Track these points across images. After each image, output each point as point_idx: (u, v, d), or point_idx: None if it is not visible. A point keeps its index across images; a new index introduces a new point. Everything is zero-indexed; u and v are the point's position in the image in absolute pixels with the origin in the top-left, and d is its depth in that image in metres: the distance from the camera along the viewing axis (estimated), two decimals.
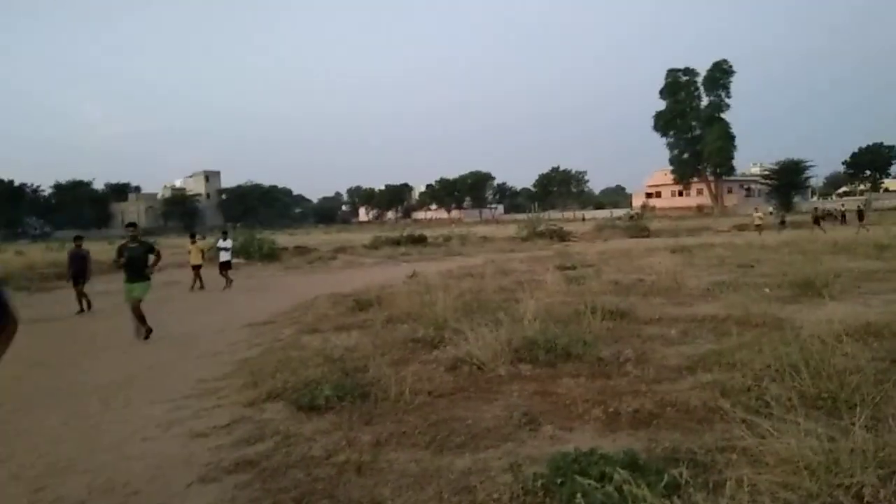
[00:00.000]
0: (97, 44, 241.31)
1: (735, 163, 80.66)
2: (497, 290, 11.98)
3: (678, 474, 3.20)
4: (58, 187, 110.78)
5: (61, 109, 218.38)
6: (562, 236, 38.82)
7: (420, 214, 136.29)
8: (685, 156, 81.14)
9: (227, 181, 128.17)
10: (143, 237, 15.44)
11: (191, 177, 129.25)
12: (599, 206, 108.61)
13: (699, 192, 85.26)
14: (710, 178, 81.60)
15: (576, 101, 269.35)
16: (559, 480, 3.37)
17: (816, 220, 34.60)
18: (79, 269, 14.64)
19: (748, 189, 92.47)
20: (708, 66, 78.68)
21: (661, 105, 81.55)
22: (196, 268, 18.99)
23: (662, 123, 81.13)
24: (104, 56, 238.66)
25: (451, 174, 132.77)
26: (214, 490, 4.05)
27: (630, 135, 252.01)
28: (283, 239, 37.13)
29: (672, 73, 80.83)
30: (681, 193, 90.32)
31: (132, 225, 11.38)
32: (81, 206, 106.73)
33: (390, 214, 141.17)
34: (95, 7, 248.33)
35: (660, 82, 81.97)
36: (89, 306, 14.59)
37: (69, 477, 4.53)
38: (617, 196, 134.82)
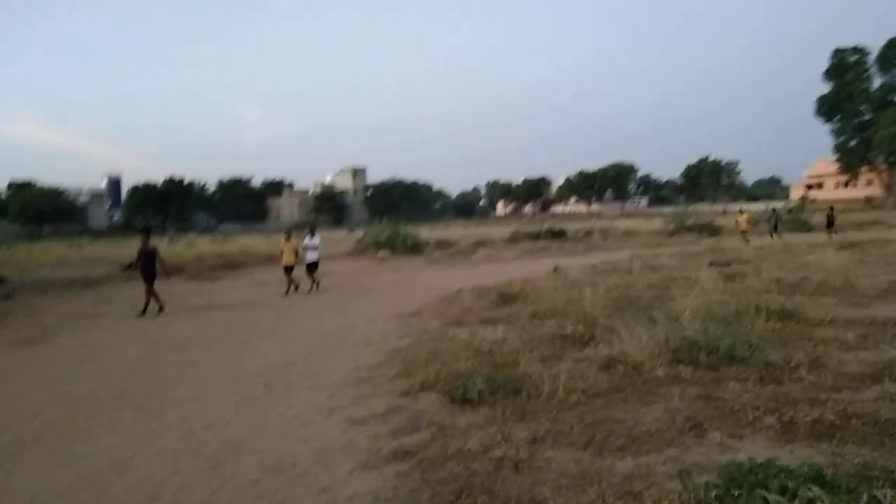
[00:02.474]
0: (256, 50, 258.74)
1: None
2: (646, 287, 11.52)
3: (882, 496, 2.86)
4: (221, 184, 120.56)
5: (224, 112, 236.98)
6: (712, 230, 36.79)
7: (559, 208, 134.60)
8: (853, 143, 73.95)
9: (373, 177, 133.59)
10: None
11: (339, 174, 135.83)
12: (752, 199, 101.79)
13: (869, 182, 77.64)
14: (883, 166, 73.96)
15: (728, 85, 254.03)
16: (735, 492, 3.14)
17: None
18: (148, 266, 13.76)
19: None
20: (880, 44, 71.29)
21: (825, 88, 74.89)
22: (288, 269, 16.82)
23: (826, 108, 74.35)
24: (262, 61, 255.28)
25: (592, 166, 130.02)
26: (375, 478, 4.17)
27: (788, 122, 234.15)
28: (424, 233, 37.93)
29: (839, 52, 73.77)
30: (846, 184, 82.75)
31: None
32: (241, 201, 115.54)
33: (528, 208, 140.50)
34: (251, 16, 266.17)
35: (823, 63, 75.33)
36: (158, 304, 13.74)
37: (242, 456, 4.85)
38: (772, 188, 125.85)
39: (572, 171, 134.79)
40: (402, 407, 5.63)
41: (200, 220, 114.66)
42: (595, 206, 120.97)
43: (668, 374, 5.74)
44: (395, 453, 4.51)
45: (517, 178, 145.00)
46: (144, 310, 13.44)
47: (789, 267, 14.49)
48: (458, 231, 52.80)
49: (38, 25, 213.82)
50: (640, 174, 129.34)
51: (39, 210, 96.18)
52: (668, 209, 61.64)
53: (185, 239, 50.67)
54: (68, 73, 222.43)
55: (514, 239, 36.63)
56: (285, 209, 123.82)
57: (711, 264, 15.60)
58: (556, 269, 15.67)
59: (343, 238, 44.42)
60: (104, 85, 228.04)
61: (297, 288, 16.60)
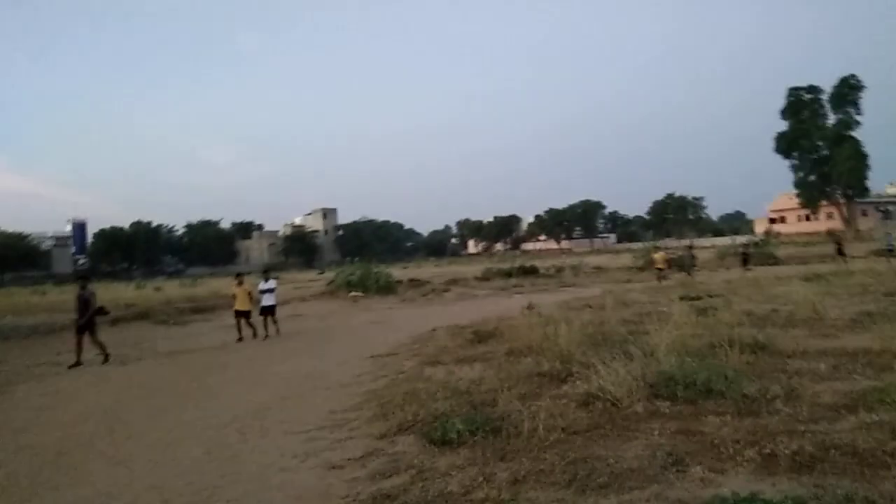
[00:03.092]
0: (223, 93, 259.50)
1: (869, 183, 74.79)
2: (620, 322, 11.59)
3: None
4: (189, 227, 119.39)
5: (192, 155, 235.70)
6: (681, 265, 37.29)
7: (529, 245, 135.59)
8: (812, 178, 76.07)
9: (343, 217, 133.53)
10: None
11: (310, 214, 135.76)
12: (718, 233, 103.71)
13: (829, 215, 79.76)
14: (842, 200, 76.12)
15: (690, 124, 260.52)
16: None
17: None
18: (84, 314, 13.03)
19: (885, 211, 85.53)
20: (832, 82, 74.03)
21: (783, 125, 77.31)
22: (242, 314, 15.78)
23: (785, 145, 76.62)
24: (229, 105, 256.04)
25: (560, 204, 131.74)
26: None
27: (749, 158, 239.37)
28: (396, 272, 37.88)
29: (794, 91, 76.45)
30: (808, 218, 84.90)
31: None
32: (210, 244, 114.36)
33: (499, 246, 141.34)
34: (218, 60, 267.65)
35: (779, 102, 77.84)
36: (101, 353, 13.06)
37: (215, 503, 4.70)
38: (737, 222, 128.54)
39: (541, 209, 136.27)
40: (380, 450, 5.52)
41: (169, 263, 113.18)
42: (565, 243, 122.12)
43: (647, 409, 5.73)
44: (374, 498, 4.40)
45: (488, 216, 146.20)
46: (106, 357, 12.96)
47: (758, 299, 14.73)
48: (430, 270, 52.83)
49: None
50: (607, 211, 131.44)
51: (1, 255, 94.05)
52: (636, 245, 62.48)
53: (153, 283, 49.85)
54: (31, 117, 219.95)
55: (486, 277, 36.76)
56: (255, 251, 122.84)
57: (682, 298, 15.77)
58: (529, 307, 15.68)
59: (314, 279, 44.10)
60: (68, 129, 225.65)
61: (255, 335, 15.72)
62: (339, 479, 4.93)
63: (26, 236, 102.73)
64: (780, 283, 19.65)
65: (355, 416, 6.94)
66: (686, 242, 40.57)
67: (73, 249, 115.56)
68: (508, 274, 37.29)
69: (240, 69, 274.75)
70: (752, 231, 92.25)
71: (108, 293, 37.42)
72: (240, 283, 16.23)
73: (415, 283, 33.54)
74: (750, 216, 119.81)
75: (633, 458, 4.57)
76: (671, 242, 79.53)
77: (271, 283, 16.47)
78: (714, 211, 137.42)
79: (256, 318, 16.08)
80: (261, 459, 5.74)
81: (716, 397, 5.86)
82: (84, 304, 13.02)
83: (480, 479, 4.43)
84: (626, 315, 12.90)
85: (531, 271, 38.11)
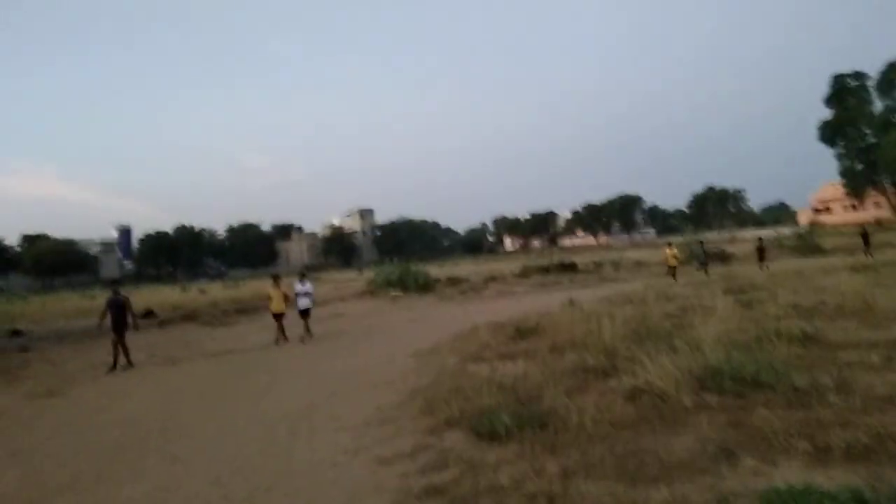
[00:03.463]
0: (260, 97, 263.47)
1: None
2: (663, 317, 11.48)
3: None
4: (231, 230, 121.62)
5: (231, 159, 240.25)
6: (723, 258, 36.69)
7: (567, 241, 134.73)
8: (858, 166, 74.06)
9: (381, 217, 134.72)
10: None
11: (348, 215, 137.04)
12: (760, 225, 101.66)
13: (877, 204, 77.53)
14: (890, 189, 73.90)
15: (731, 115, 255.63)
16: None
17: None
18: (118, 318, 13.19)
19: None
20: (879, 67, 71.83)
21: (827, 113, 75.35)
22: (278, 316, 15.62)
23: (829, 133, 74.68)
24: (266, 108, 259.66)
25: (598, 199, 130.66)
26: None
27: (792, 147, 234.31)
28: (433, 270, 38.03)
29: (839, 78, 74.39)
30: (854, 207, 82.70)
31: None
32: (251, 246, 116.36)
33: (536, 242, 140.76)
34: (255, 65, 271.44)
35: (823, 89, 75.92)
36: (128, 362, 13.18)
37: (272, 499, 4.83)
38: (779, 213, 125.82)
39: (579, 204, 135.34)
40: (429, 445, 5.60)
41: (211, 266, 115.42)
42: (603, 238, 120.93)
43: (695, 402, 5.71)
44: (426, 491, 4.48)
45: (524, 213, 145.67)
46: (115, 364, 12.92)
47: (805, 292, 14.42)
48: (467, 268, 52.87)
49: (44, 81, 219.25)
50: (646, 205, 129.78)
51: (52, 262, 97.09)
52: (676, 238, 61.59)
53: (197, 285, 50.90)
54: (76, 126, 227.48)
55: (524, 273, 36.67)
56: (295, 252, 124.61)
57: (726, 292, 15.54)
58: (570, 302, 15.64)
59: (354, 279, 44.51)
60: (111, 137, 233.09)
61: (286, 337, 15.55)
62: (390, 474, 5.03)
63: (75, 242, 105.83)
64: (826, 274, 19.20)
65: (402, 413, 7.04)
66: (697, 238, 39.24)
67: (119, 254, 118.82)
68: (546, 270, 37.15)
69: (276, 75, 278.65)
70: (795, 222, 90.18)
71: (155, 296, 38.43)
72: (276, 284, 16.06)
73: (453, 281, 33.66)
74: (793, 207, 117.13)
75: (682, 450, 4.58)
76: (711, 235, 78.20)
77: (307, 286, 16.26)
78: (756, 202, 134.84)
79: (292, 321, 16.16)
80: (312, 456, 5.87)
81: (765, 390, 5.80)
82: (119, 308, 13.23)
83: (530, 472, 4.48)
84: (668, 309, 12.77)
85: (570, 267, 37.88)
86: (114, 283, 14.21)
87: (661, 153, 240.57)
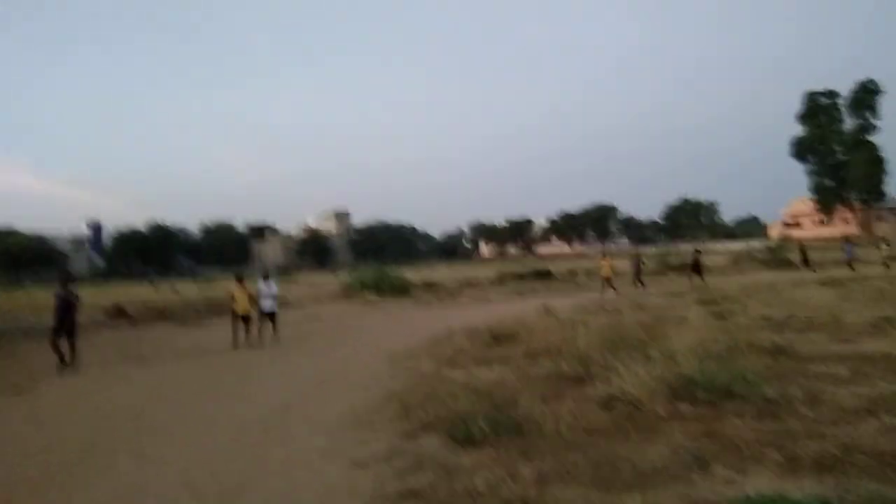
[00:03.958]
0: (236, 95, 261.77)
1: (887, 188, 74.22)
2: (637, 326, 11.59)
3: None
4: (205, 229, 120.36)
5: (205, 156, 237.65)
6: (696, 269, 37.13)
7: (542, 248, 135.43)
8: (828, 183, 75.68)
9: (357, 220, 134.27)
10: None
11: (323, 217, 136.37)
12: (732, 237, 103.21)
13: (845, 220, 79.19)
14: (858, 205, 75.60)
15: (704, 128, 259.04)
16: None
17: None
18: (64, 317, 12.04)
19: None
20: (850, 87, 73.55)
21: (799, 130, 76.90)
22: (243, 318, 14.76)
23: (801, 149, 76.27)
24: (242, 106, 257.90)
25: (574, 207, 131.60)
26: None
27: (764, 162, 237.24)
28: (409, 275, 37.98)
29: (811, 95, 76.03)
30: (823, 223, 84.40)
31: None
32: (225, 245, 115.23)
33: (512, 249, 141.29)
34: (231, 62, 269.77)
35: (795, 106, 77.45)
36: (69, 359, 12.10)
37: (243, 500, 4.79)
38: (751, 227, 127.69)
39: (554, 212, 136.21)
40: (404, 448, 5.60)
41: (184, 264, 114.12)
42: (578, 247, 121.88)
43: (668, 410, 5.79)
44: (401, 494, 4.48)
45: (500, 219, 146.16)
46: (63, 361, 11.96)
47: (776, 304, 14.69)
48: (443, 273, 52.85)
49: (13, 73, 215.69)
50: (621, 215, 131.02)
51: (20, 256, 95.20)
52: (649, 249, 62.28)
53: (169, 284, 50.27)
54: (46, 118, 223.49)
55: (500, 280, 36.82)
56: (269, 253, 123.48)
57: (698, 303, 15.77)
58: (545, 309, 15.74)
59: (329, 281, 44.29)
60: (83, 130, 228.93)
61: (248, 340, 14.63)
62: (364, 476, 5.02)
63: (43, 237, 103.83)
64: (796, 287, 19.58)
65: (377, 416, 7.03)
66: (634, 250, 39.45)
67: (89, 250, 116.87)
68: (522, 277, 37.32)
69: (252, 70, 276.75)
70: (765, 235, 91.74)
71: (127, 294, 37.88)
72: (241, 285, 15.19)
73: (429, 285, 33.64)
74: (765, 221, 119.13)
75: (656, 457, 4.64)
76: (684, 246, 79.22)
77: (272, 287, 15.49)
78: (728, 215, 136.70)
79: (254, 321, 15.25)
80: (287, 457, 5.83)
81: (736, 400, 5.90)
82: (66, 304, 12.03)
83: (506, 477, 4.49)
84: (642, 318, 12.91)
85: (545, 274, 38.10)
86: (63, 278, 12.62)
87: (636, 164, 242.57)
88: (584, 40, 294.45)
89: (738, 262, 41.46)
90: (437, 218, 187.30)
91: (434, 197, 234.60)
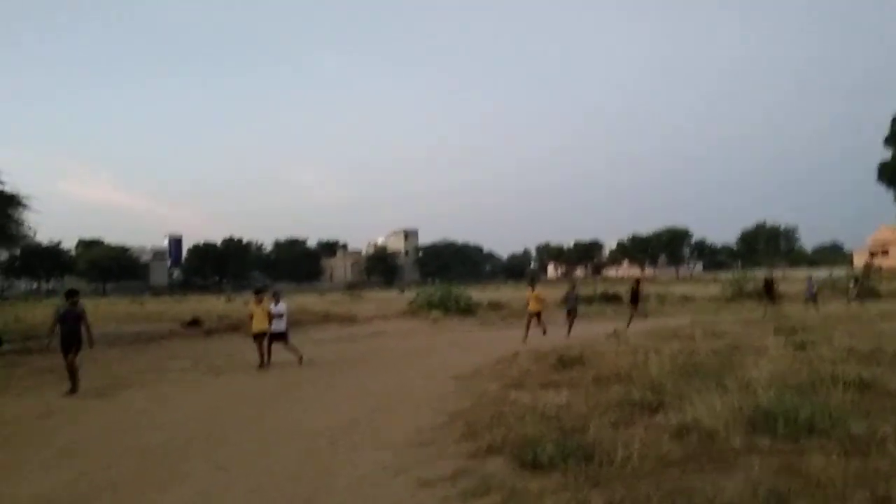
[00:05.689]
0: (310, 115, 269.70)
1: None
2: (711, 354, 11.20)
3: None
4: (277, 244, 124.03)
5: (280, 175, 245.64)
6: (770, 295, 35.71)
7: (611, 272, 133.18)
8: None
9: (424, 239, 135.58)
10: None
11: (391, 235, 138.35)
12: (813, 265, 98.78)
13: None
14: None
15: (784, 151, 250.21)
16: None
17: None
18: (71, 333, 11.24)
19: None
20: None
21: (887, 154, 73.19)
22: (259, 336, 14.21)
23: (889, 174, 72.52)
24: (316, 126, 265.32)
25: (645, 230, 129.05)
26: None
27: (848, 187, 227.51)
28: (475, 294, 37.93)
29: None
30: None
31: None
32: (297, 261, 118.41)
33: (579, 271, 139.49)
34: (304, 83, 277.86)
35: (884, 129, 73.85)
36: (73, 386, 11.08)
37: None
38: (832, 254, 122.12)
39: (624, 235, 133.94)
40: (470, 469, 5.55)
41: (257, 278, 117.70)
42: (648, 271, 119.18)
43: (745, 443, 5.54)
44: None
45: (568, 241, 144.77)
46: (74, 387, 11.07)
47: (861, 336, 13.93)
48: (509, 293, 52.57)
49: (101, 92, 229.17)
50: (694, 238, 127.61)
51: (106, 267, 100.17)
52: (723, 275, 60.28)
53: (243, 297, 51.80)
54: (133, 137, 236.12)
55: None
56: (339, 269, 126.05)
57: (777, 331, 15.14)
58: (615, 333, 15.42)
59: (395, 298, 44.74)
60: (166, 148, 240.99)
61: (262, 362, 14.02)
62: (430, 496, 5.00)
63: (127, 249, 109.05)
64: (883, 319, 18.55)
65: (443, 435, 7.01)
66: (637, 273, 37.10)
67: (168, 263, 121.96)
68: (590, 300, 36.70)
69: (324, 91, 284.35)
70: (850, 263, 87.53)
71: (201, 305, 39.24)
72: (259, 301, 14.60)
73: (494, 305, 33.50)
74: (848, 248, 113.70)
75: (732, 492, 4.44)
76: (760, 273, 76.27)
77: (282, 307, 14.70)
78: (808, 242, 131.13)
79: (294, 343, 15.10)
80: (353, 472, 5.88)
81: (819, 435, 5.60)
82: (74, 321, 11.29)
83: (574, 503, 4.40)
84: (717, 346, 12.46)
85: (613, 298, 37.37)
86: (70, 294, 11.74)
87: (710, 187, 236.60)
88: (659, 52, 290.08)
89: (820, 290, 39.60)
90: (504, 238, 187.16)
91: (502, 218, 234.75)
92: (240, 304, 38.19)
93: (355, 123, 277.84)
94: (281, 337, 14.53)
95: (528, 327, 18.30)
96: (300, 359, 14.34)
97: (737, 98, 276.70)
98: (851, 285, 30.64)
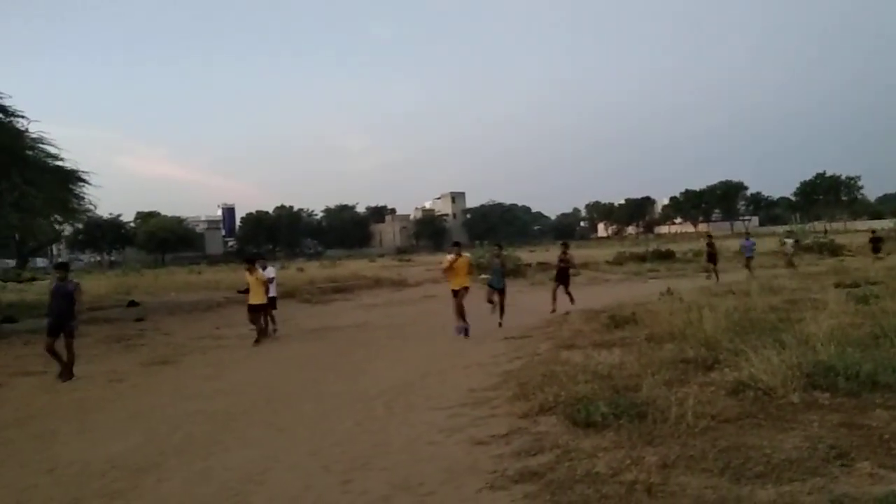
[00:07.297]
0: (359, 82, 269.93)
1: None
2: (768, 310, 10.96)
3: None
4: (327, 211, 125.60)
5: (329, 142, 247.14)
6: (833, 250, 34.62)
7: (663, 229, 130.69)
8: None
9: (471, 201, 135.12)
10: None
11: (439, 198, 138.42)
12: (876, 216, 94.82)
13: None
14: None
15: (844, 96, 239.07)
16: None
17: None
18: (62, 311, 9.97)
19: None
20: None
21: None
22: (256, 309, 13.35)
23: None
24: (364, 93, 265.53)
25: (698, 185, 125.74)
26: (503, 498, 4.17)
27: None
28: (524, 255, 37.78)
29: None
30: None
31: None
32: (346, 227, 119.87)
33: (630, 229, 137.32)
34: (354, 49, 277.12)
35: None
36: (67, 369, 9.86)
37: (370, 473, 4.97)
38: None
39: (677, 190, 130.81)
40: (523, 429, 5.61)
41: (308, 245, 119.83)
42: (702, 226, 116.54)
43: (804, 399, 5.43)
44: (521, 474, 4.49)
45: (618, 199, 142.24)
46: (69, 370, 9.90)
47: None
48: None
49: (156, 70, 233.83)
50: (749, 192, 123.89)
51: (163, 238, 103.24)
52: (780, 228, 58.53)
53: (295, 264, 52.78)
54: (187, 112, 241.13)
55: (618, 261, 35.89)
56: (388, 234, 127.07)
57: (837, 285, 14.70)
58: (668, 291, 15.20)
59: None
60: (218, 121, 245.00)
61: (261, 334, 13.29)
62: (485, 455, 5.08)
63: (183, 220, 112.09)
64: None
65: (495, 395, 7.09)
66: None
67: (222, 232, 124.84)
68: (642, 258, 36.19)
69: (372, 58, 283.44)
70: None
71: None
72: (251, 271, 13.69)
73: (543, 266, 33.33)
74: None
75: (791, 449, 4.37)
76: (819, 226, 73.76)
77: (271, 271, 14.43)
78: (871, 192, 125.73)
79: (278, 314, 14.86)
80: (408, 432, 6.01)
81: (882, 390, 5.46)
82: (67, 297, 10.04)
83: (628, 461, 4.40)
84: (774, 302, 12.18)
85: (667, 255, 36.76)
86: (59, 267, 10.55)
87: (767, 138, 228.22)
88: (721, 17, 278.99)
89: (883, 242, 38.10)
90: (552, 198, 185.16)
91: (550, 177, 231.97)
92: (293, 272, 38.96)
93: (401, 89, 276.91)
94: (271, 305, 14.16)
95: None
96: (273, 331, 13.96)
97: (789, 40, 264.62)
98: None
